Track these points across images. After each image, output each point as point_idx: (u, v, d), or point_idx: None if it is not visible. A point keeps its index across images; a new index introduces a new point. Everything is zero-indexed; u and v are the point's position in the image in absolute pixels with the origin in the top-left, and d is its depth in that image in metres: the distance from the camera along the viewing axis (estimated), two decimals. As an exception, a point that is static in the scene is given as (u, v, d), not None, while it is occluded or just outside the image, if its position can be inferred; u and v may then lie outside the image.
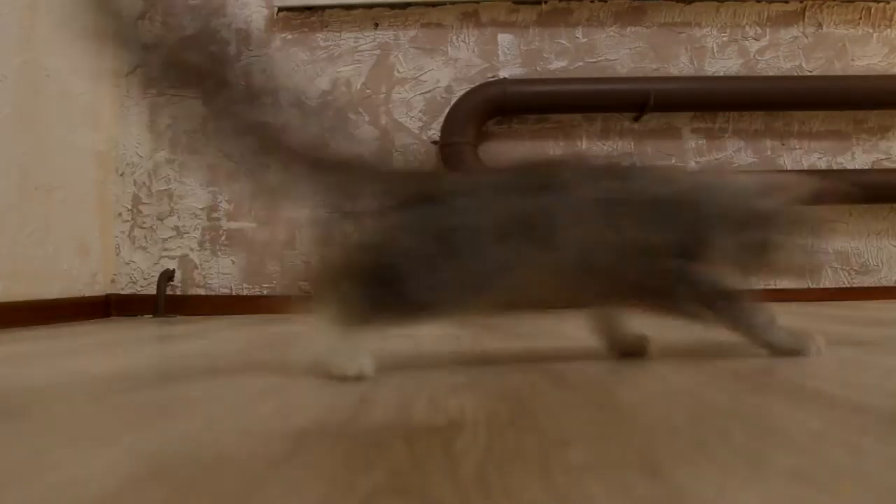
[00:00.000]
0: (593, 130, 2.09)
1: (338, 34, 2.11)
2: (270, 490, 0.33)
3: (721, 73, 2.10)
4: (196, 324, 1.63)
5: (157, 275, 2.02)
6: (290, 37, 2.11)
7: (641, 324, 0.83)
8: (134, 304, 2.04)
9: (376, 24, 2.11)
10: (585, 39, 2.11)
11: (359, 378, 0.67)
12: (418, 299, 0.66)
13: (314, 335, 0.69)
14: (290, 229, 2.06)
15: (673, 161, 2.08)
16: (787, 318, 1.39)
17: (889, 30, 2.12)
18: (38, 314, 1.65)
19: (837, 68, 2.11)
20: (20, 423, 0.51)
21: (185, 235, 2.07)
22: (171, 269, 2.05)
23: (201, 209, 2.08)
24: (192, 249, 2.07)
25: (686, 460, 0.37)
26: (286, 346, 1.05)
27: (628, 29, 2.11)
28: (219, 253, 2.07)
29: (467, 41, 2.10)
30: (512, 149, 2.07)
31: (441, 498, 0.32)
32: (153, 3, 0.70)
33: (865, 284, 2.08)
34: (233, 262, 2.06)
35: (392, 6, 2.08)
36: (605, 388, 0.62)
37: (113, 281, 2.05)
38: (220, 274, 2.06)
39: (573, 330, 1.18)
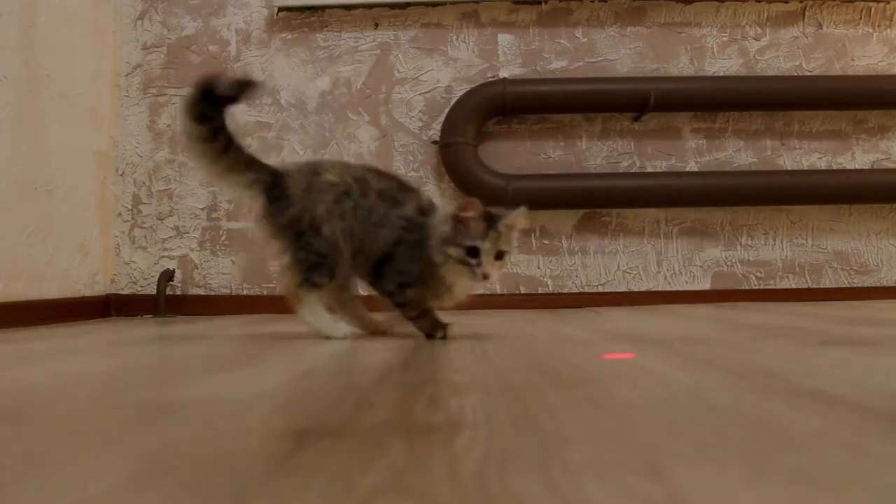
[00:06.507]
0: (593, 130, 2.09)
1: (338, 34, 2.11)
2: (270, 490, 0.33)
3: (721, 73, 2.10)
4: (196, 324, 1.63)
5: (157, 275, 2.02)
6: (290, 37, 2.10)
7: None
8: (134, 304, 2.04)
9: (376, 24, 2.11)
10: (585, 39, 2.11)
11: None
12: None
13: None
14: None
15: (673, 161, 2.08)
16: (787, 317, 1.39)
17: (889, 30, 2.12)
18: (38, 314, 1.65)
19: (837, 68, 2.11)
20: (20, 423, 0.51)
21: (185, 235, 2.07)
22: (171, 269, 2.05)
23: (201, 209, 2.08)
24: (192, 249, 2.07)
25: (686, 460, 0.37)
26: (284, 346, 1.05)
27: (628, 29, 2.11)
28: (219, 253, 2.07)
29: (467, 41, 2.10)
30: (512, 148, 2.07)
31: (441, 498, 0.32)
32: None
33: (865, 284, 2.08)
34: (233, 262, 2.06)
35: (392, 6, 2.08)
36: (605, 388, 0.62)
37: (113, 281, 2.05)
38: (220, 274, 2.06)
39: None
